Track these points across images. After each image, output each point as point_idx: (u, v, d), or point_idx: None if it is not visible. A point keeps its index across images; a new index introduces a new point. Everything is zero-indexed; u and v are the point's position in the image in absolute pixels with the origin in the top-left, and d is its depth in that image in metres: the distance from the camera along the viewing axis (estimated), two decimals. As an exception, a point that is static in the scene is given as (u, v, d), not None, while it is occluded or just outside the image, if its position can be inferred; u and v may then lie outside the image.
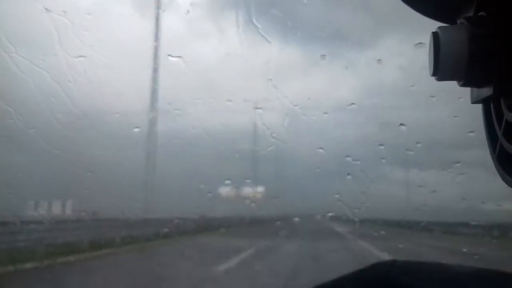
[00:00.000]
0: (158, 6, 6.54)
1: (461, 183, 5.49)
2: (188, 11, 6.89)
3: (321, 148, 6.47)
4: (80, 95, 6.15)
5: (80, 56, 5.63)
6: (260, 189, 7.30)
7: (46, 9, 5.45)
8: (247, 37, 6.55)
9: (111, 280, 6.54)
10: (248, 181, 7.25)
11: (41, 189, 6.29)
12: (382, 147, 6.34)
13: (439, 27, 0.71)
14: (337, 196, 6.42)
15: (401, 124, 5.76)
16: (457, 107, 4.82)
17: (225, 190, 7.32)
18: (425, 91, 5.48)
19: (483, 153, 0.74)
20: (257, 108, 6.88)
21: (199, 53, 6.26)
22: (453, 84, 0.72)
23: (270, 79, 6.10)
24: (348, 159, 6.66)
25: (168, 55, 6.21)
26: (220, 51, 7.19)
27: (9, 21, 5.94)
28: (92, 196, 6.46)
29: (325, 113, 6.66)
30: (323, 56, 5.91)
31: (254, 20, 5.70)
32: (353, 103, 6.12)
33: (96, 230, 8.87)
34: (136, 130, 6.25)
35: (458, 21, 0.73)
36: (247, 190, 7.30)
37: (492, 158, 0.72)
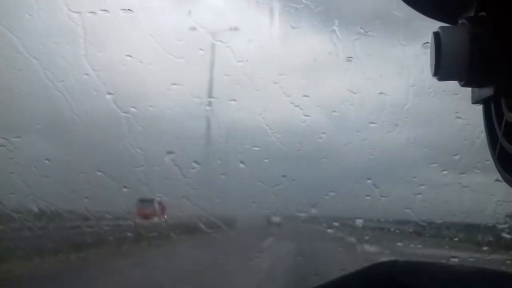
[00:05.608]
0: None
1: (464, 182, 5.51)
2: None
3: (322, 148, 6.47)
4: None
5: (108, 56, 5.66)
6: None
7: (70, 9, 5.42)
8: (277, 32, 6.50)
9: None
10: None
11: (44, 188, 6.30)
12: (383, 146, 6.34)
13: (440, 27, 0.71)
14: (332, 193, 6.41)
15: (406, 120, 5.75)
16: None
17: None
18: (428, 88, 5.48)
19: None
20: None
21: (230, 47, 6.16)
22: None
23: (275, 83, 6.08)
24: (350, 159, 6.65)
25: (200, 49, 6.18)
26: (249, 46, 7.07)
27: (29, 22, 5.94)
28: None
29: (333, 111, 6.60)
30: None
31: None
32: (352, 103, 6.12)
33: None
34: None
35: (459, 21, 0.73)
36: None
37: (493, 158, 0.72)
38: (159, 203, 9.21)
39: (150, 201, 9.32)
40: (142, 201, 9.24)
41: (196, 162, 6.49)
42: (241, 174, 6.57)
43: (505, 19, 0.66)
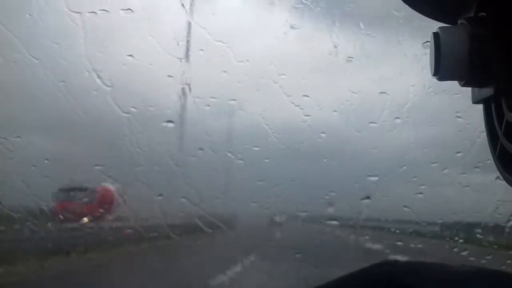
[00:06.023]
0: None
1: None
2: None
3: (323, 147, 6.47)
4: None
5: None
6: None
7: (70, 10, 5.41)
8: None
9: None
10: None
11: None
12: (384, 146, 6.33)
13: (440, 28, 0.71)
14: (333, 193, 6.40)
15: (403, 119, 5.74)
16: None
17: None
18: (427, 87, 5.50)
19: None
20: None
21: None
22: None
23: (275, 82, 6.07)
24: (349, 159, 6.65)
25: (200, 49, 6.19)
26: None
27: (29, 22, 5.94)
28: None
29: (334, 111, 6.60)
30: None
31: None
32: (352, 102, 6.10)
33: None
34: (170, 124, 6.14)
35: (459, 22, 0.73)
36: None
37: (493, 158, 0.72)
38: (98, 192, 5.93)
39: (83, 189, 6.16)
40: (69, 190, 5.73)
41: (196, 162, 6.49)
42: (241, 174, 6.57)
43: (505, 19, 0.66)
